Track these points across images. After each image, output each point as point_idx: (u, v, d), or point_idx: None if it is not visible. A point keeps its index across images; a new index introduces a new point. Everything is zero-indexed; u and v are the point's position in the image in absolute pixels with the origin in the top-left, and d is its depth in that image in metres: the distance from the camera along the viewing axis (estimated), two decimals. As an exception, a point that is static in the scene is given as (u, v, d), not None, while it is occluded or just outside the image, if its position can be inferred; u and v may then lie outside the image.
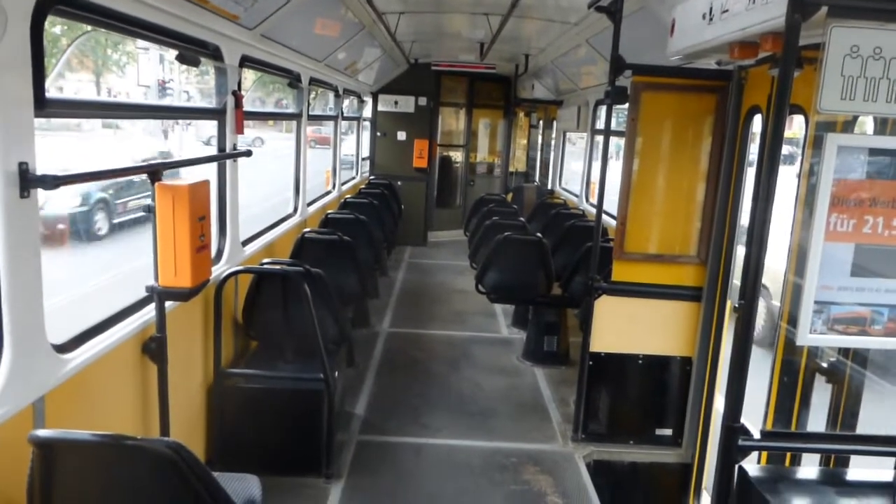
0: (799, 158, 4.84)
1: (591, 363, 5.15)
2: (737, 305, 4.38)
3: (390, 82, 12.28)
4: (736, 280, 4.63)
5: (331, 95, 9.10)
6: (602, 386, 5.21)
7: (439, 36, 9.96)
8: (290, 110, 7.13)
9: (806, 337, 2.57)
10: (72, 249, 11.63)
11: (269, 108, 17.03)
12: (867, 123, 3.58)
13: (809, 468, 3.02)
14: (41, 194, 2.51)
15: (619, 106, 5.13)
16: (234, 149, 4.68)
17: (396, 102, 12.53)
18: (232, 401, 4.41)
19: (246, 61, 4.81)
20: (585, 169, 9.66)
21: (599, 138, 9.22)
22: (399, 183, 12.20)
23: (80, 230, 11.79)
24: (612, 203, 5.27)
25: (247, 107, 4.82)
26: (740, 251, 4.64)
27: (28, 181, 2.40)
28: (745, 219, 4.61)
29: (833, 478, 2.79)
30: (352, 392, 5.87)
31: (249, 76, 5.90)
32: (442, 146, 13.88)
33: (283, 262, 5.08)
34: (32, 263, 2.51)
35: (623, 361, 5.16)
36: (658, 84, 4.82)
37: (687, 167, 4.94)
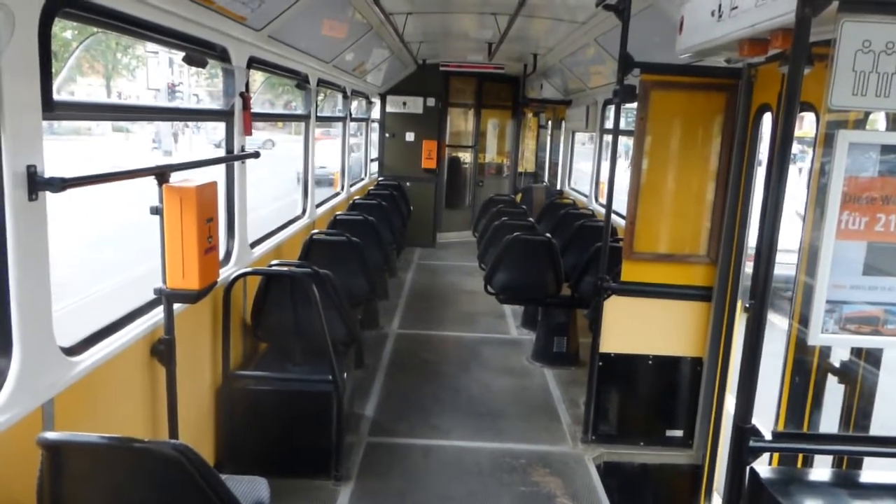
0: (807, 158, 4.79)
1: (600, 364, 5.12)
2: (747, 305, 4.34)
3: (399, 83, 12.28)
4: (747, 280, 4.60)
5: (339, 97, 9.11)
6: (612, 387, 5.18)
7: (447, 36, 9.96)
8: (299, 112, 7.13)
9: (818, 337, 2.53)
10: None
11: (278, 110, 17.19)
12: (879, 122, 3.54)
13: (822, 470, 2.97)
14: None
15: (627, 105, 5.10)
16: (242, 150, 4.69)
17: (405, 103, 12.53)
18: (241, 403, 4.41)
19: (253, 62, 4.82)
20: (594, 169, 9.62)
21: (608, 138, 9.18)
22: (408, 184, 12.20)
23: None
24: (621, 203, 5.24)
25: (255, 109, 4.84)
26: (751, 250, 4.60)
27: (36, 184, 2.41)
28: (755, 218, 4.58)
29: (846, 480, 2.75)
30: (361, 393, 5.87)
31: (258, 78, 5.92)
32: (451, 147, 13.87)
33: (292, 263, 5.09)
34: (41, 266, 2.51)
35: (633, 362, 5.13)
36: (667, 82, 4.78)
37: (696, 166, 4.90)
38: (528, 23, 7.63)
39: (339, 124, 9.54)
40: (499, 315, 8.55)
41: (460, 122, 14.12)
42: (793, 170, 2.65)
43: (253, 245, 5.26)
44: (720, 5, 3.64)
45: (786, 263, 3.35)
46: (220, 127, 4.75)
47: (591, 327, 5.43)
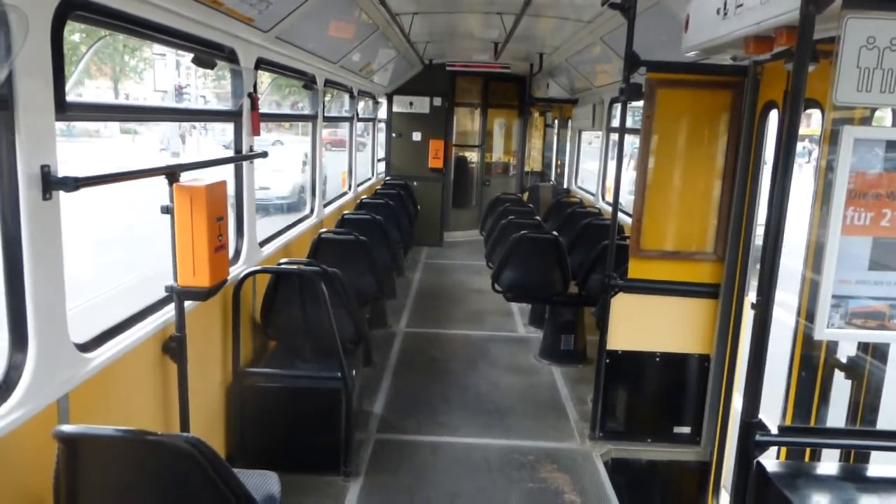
0: (814, 154, 4.80)
1: (608, 361, 5.14)
2: (754, 302, 4.35)
3: (405, 83, 12.32)
4: (754, 277, 4.61)
5: (346, 97, 9.15)
6: (619, 384, 5.20)
7: (453, 36, 9.98)
8: (306, 112, 7.18)
9: (823, 331, 2.55)
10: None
11: (285, 111, 17.29)
12: (886, 118, 3.54)
13: (829, 464, 2.98)
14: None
15: (634, 103, 5.12)
16: (251, 150, 4.73)
17: (411, 103, 12.57)
18: (251, 399, 4.46)
19: (261, 63, 4.86)
20: (601, 167, 9.63)
21: (614, 137, 9.19)
22: (415, 183, 12.23)
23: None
24: (627, 201, 5.25)
25: (263, 109, 4.88)
26: (758, 247, 4.61)
27: (50, 183, 2.45)
28: (762, 215, 4.58)
29: (853, 474, 2.76)
30: (369, 391, 5.90)
31: (265, 79, 5.95)
32: (457, 146, 13.90)
33: (301, 261, 5.12)
34: (55, 264, 2.56)
35: (640, 359, 5.14)
36: (673, 80, 4.80)
37: (703, 164, 4.91)
38: (533, 22, 7.65)
39: (346, 124, 9.59)
40: (506, 313, 8.57)
41: (467, 121, 14.15)
42: (805, 168, 2.67)
43: (262, 244, 5.30)
44: (725, 3, 3.66)
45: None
46: (229, 128, 4.79)
47: (598, 325, 5.45)
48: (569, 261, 6.73)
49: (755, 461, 2.59)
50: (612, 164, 9.64)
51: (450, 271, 11.09)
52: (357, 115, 9.60)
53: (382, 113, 12.55)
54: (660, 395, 5.21)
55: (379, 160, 12.64)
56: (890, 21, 2.29)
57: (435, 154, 12.68)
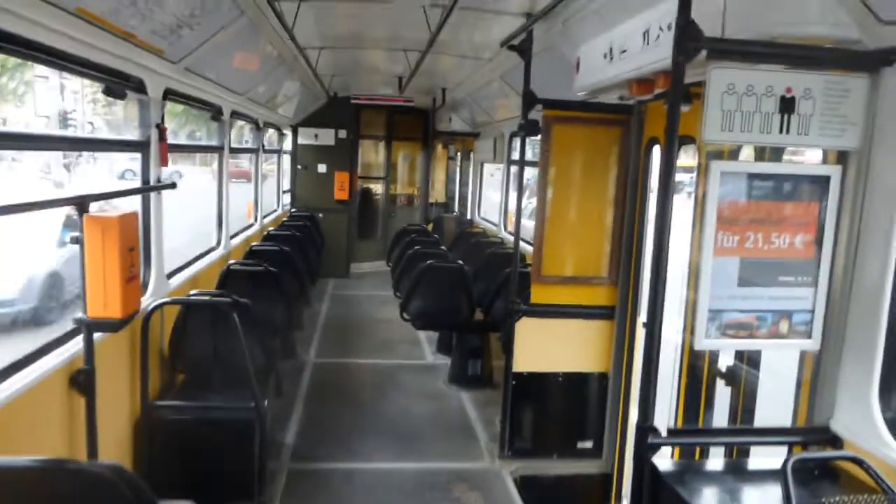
0: (688, 186, 5.29)
1: (514, 382, 5.37)
2: (645, 321, 4.73)
3: (310, 115, 12.38)
4: (644, 298, 4.99)
5: (247, 129, 9.12)
6: (525, 404, 5.44)
7: (358, 70, 10.19)
8: (213, 143, 7.14)
9: (702, 342, 2.88)
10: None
11: (183, 141, 16.77)
12: (749, 153, 4.01)
13: (715, 460, 3.31)
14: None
15: (532, 138, 5.46)
16: (159, 181, 4.70)
17: (316, 135, 12.62)
18: (162, 432, 4.37)
19: (169, 94, 4.86)
20: (503, 199, 10.02)
21: (515, 169, 9.62)
22: (320, 215, 12.24)
23: None
24: (528, 231, 5.56)
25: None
26: (647, 271, 5.01)
27: None
28: (650, 241, 4.99)
29: (735, 468, 3.09)
30: (281, 421, 5.87)
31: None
32: (362, 178, 14.03)
33: (211, 293, 5.09)
34: None
35: (544, 379, 5.41)
36: (567, 117, 5.17)
37: (596, 194, 5.29)
38: (436, 59, 7.97)
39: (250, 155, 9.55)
40: (414, 342, 8.72)
41: (371, 153, 14.33)
42: (683, 199, 3.01)
43: (169, 276, 5.22)
44: (611, 48, 4.05)
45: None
46: (123, 158, 4.73)
47: (504, 349, 5.70)
48: (474, 289, 6.98)
49: (648, 462, 2.86)
50: (513, 196, 10.07)
51: (357, 302, 11.14)
52: (263, 146, 9.58)
53: (287, 145, 12.54)
54: (563, 412, 5.50)
55: (284, 192, 12.58)
56: (745, 70, 2.67)
57: (340, 186, 12.74)
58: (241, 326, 4.36)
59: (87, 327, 3.34)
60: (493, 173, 12.40)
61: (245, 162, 11.59)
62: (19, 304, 8.43)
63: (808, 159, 3.57)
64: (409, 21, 6.35)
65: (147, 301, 4.55)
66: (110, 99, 3.94)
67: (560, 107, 5.14)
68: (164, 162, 4.73)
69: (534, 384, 5.41)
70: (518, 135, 5.44)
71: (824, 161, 3.01)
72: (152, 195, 4.73)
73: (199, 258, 6.41)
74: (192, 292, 5.04)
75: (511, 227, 9.85)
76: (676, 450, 4.06)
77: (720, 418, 4.02)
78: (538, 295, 5.32)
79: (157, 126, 4.63)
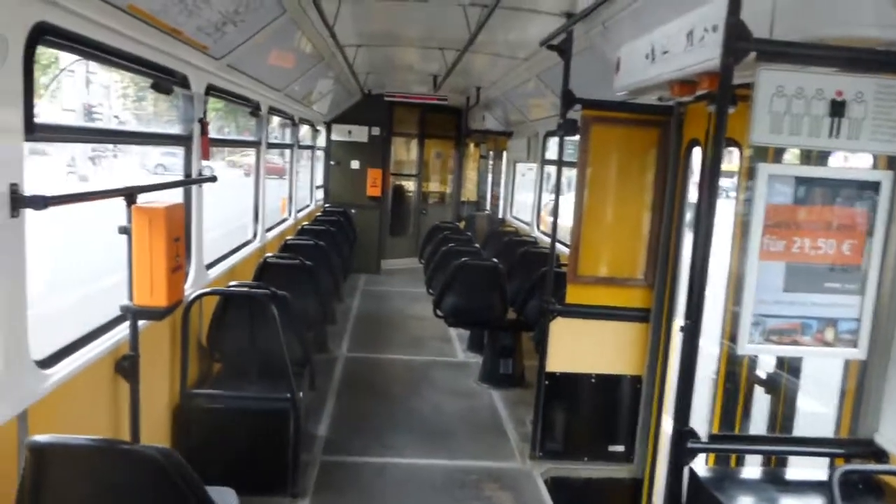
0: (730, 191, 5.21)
1: (546, 383, 5.36)
2: (682, 325, 4.68)
3: (344, 112, 12.47)
4: (681, 302, 4.94)
5: (277, 124, 9.20)
6: (557, 404, 5.42)
7: (394, 68, 10.24)
8: (251, 138, 7.25)
9: (745, 347, 2.84)
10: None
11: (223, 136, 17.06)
12: (793, 158, 3.94)
13: (753, 468, 3.28)
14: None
15: (569, 137, 5.44)
16: (200, 174, 4.79)
17: (350, 132, 12.72)
18: (198, 420, 4.46)
19: (211, 90, 4.94)
20: (536, 198, 10.00)
21: (548, 168, 9.59)
22: (353, 211, 12.33)
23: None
24: (561, 231, 5.54)
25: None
26: (684, 274, 4.95)
27: (17, 202, 2.49)
28: (687, 244, 4.95)
29: (774, 477, 3.05)
30: (314, 414, 5.94)
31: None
32: (395, 175, 14.09)
33: (249, 284, 5.17)
34: (19, 281, 2.58)
35: (577, 380, 5.39)
36: (606, 118, 5.14)
37: (633, 195, 5.25)
38: (472, 58, 7.97)
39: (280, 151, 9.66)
40: (446, 339, 8.74)
41: (404, 151, 14.38)
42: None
43: (208, 267, 5.32)
44: (653, 49, 4.01)
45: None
46: (154, 152, 4.85)
47: (536, 348, 5.68)
48: (508, 287, 6.97)
49: (687, 467, 2.83)
50: (545, 196, 10.05)
51: (388, 298, 11.20)
52: (298, 142, 9.68)
53: (321, 141, 12.65)
54: (595, 414, 5.46)
55: (317, 187, 12.70)
56: (795, 73, 2.63)
57: (373, 182, 12.83)
58: (278, 318, 4.42)
59: (133, 315, 3.41)
60: (524, 173, 12.38)
61: (275, 158, 11.72)
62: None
63: (854, 164, 3.50)
64: (447, 20, 6.37)
65: (188, 291, 4.64)
66: (140, 94, 4.03)
67: (599, 107, 5.11)
68: (205, 156, 4.82)
69: (567, 385, 5.39)
70: (556, 134, 5.43)
71: (874, 166, 2.95)
72: (193, 188, 4.82)
73: (236, 251, 6.51)
74: (231, 283, 5.13)
75: (543, 227, 9.82)
76: (711, 456, 4.02)
77: (756, 426, 3.96)
78: (573, 295, 5.30)
79: (200, 121, 4.72)
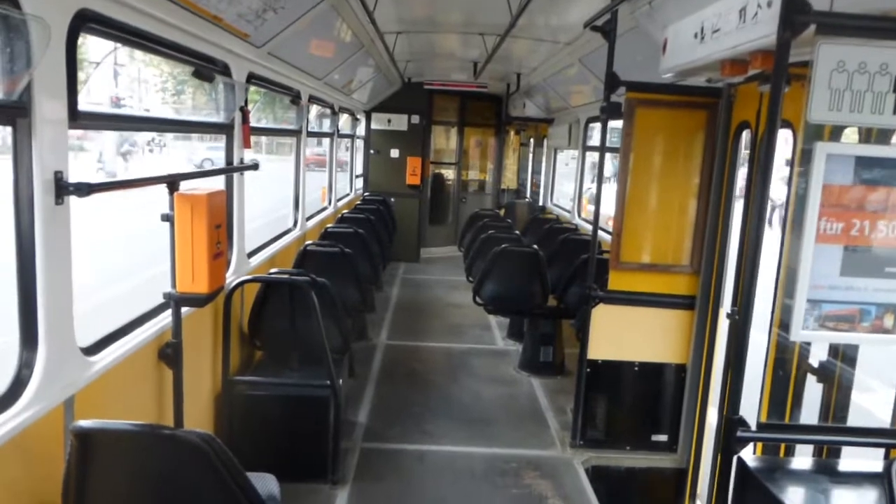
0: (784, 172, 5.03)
1: (588, 370, 5.28)
2: (729, 312, 4.55)
3: (384, 101, 12.47)
4: (727, 288, 4.80)
5: (314, 112, 9.21)
6: (599, 393, 5.34)
7: (434, 55, 10.18)
8: (291, 127, 7.28)
9: (799, 333, 2.72)
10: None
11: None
12: (852, 137, 3.77)
13: (804, 458, 3.16)
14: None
15: (613, 122, 5.32)
16: (241, 162, 4.82)
17: (389, 120, 12.72)
18: (240, 407, 4.51)
19: (252, 78, 4.96)
20: (577, 185, 9.86)
21: (590, 155, 9.44)
22: (392, 199, 12.35)
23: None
24: (602, 218, 5.43)
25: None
26: (731, 261, 4.81)
27: (62, 189, 2.53)
28: (735, 229, 4.80)
29: (826, 468, 2.93)
30: (353, 401, 5.97)
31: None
32: (434, 164, 14.06)
33: (290, 271, 5.20)
34: (65, 268, 2.62)
35: (619, 368, 5.30)
36: (651, 100, 5.00)
37: (679, 180, 5.12)
38: (512, 43, 7.86)
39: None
40: (485, 326, 8.70)
41: (443, 139, 14.35)
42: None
43: (249, 255, 5.37)
44: (702, 27, 3.87)
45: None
46: (188, 146, 4.89)
47: (578, 336, 5.60)
48: (548, 274, 6.89)
49: (736, 456, 2.74)
50: (586, 183, 9.90)
51: (427, 286, 11.20)
52: (338, 130, 9.71)
53: (360, 130, 12.68)
54: (638, 403, 5.37)
55: (357, 176, 12.74)
56: (858, 47, 2.49)
57: (412, 171, 12.83)
58: (318, 305, 4.44)
59: (176, 302, 3.45)
60: (567, 163, 12.22)
61: (318, 149, 11.73)
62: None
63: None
64: (488, 4, 6.28)
65: (230, 278, 4.68)
66: (179, 88, 4.06)
67: (644, 89, 4.98)
68: (247, 144, 4.84)
69: (608, 372, 5.31)
70: (599, 118, 5.31)
71: (940, 145, 2.79)
72: (235, 176, 4.85)
73: (277, 239, 6.56)
74: (272, 270, 5.16)
75: (585, 214, 9.68)
76: (759, 446, 3.90)
77: (807, 416, 3.83)
78: (616, 282, 5.20)
79: (241, 109, 4.74)
